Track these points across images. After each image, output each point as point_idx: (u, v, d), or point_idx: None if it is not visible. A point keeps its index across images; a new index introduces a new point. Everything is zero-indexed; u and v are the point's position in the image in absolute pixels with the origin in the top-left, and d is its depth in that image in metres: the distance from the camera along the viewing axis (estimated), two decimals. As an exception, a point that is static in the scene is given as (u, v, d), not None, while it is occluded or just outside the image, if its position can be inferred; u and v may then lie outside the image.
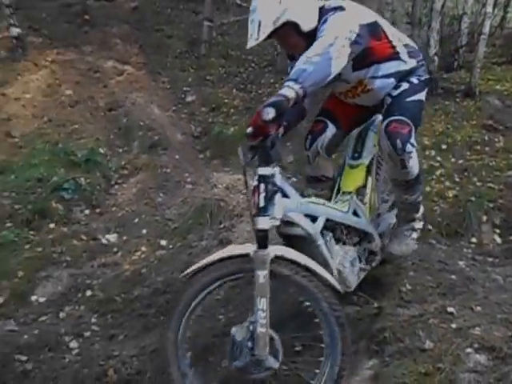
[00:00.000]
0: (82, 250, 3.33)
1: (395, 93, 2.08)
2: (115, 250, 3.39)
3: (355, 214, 2.12)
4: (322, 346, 1.72)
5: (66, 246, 3.31)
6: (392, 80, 2.08)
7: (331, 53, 1.69)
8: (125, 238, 3.52)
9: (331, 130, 2.26)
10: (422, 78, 2.13)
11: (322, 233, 1.89)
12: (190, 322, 1.69)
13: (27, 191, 3.61)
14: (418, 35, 5.81)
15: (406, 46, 2.11)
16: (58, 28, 7.68)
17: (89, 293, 2.98)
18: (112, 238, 3.49)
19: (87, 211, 3.75)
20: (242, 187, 4.14)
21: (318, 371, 1.71)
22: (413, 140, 1.97)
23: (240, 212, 3.70)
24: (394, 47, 2.05)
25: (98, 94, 5.72)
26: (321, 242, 1.86)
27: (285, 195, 1.76)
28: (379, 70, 2.05)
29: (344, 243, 2.05)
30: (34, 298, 2.92)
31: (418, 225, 2.30)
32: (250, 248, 1.63)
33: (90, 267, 3.21)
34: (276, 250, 1.66)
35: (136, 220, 3.73)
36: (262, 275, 1.58)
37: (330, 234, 1.96)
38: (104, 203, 3.92)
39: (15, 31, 6.18)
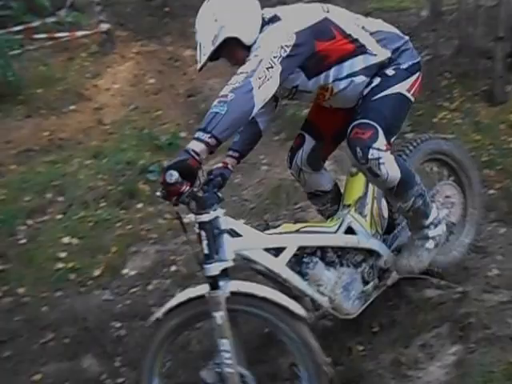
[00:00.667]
0: (166, 228, 3.53)
1: (365, 91, 1.86)
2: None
3: (350, 231, 1.91)
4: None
5: (153, 225, 3.54)
6: (361, 77, 1.84)
7: (252, 82, 1.51)
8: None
9: (309, 142, 2.11)
10: (403, 66, 1.85)
11: (298, 262, 1.78)
12: (159, 370, 1.70)
13: (118, 174, 3.90)
14: None
15: (375, 34, 1.85)
16: (141, 21, 8.08)
17: (173, 268, 3.17)
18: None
19: (170, 192, 3.96)
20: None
21: None
22: (378, 144, 1.72)
23: (316, 193, 3.73)
24: (354, 41, 1.80)
25: (178, 82, 5.97)
26: (287, 275, 1.71)
27: (236, 234, 1.64)
28: (342, 71, 1.82)
29: (341, 265, 1.88)
30: (125, 271, 3.17)
31: (433, 231, 1.93)
32: (205, 289, 1.56)
33: (174, 244, 3.40)
34: (231, 286, 1.57)
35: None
36: (219, 316, 1.52)
37: (315, 260, 1.81)
38: (186, 185, 4.10)
39: (105, 27, 6.62)
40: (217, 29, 1.66)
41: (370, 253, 1.97)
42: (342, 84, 1.84)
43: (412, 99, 1.88)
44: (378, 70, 1.85)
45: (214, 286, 1.54)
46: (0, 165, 4.18)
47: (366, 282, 1.93)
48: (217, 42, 1.67)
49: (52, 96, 5.54)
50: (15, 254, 3.16)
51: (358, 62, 1.82)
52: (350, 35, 1.80)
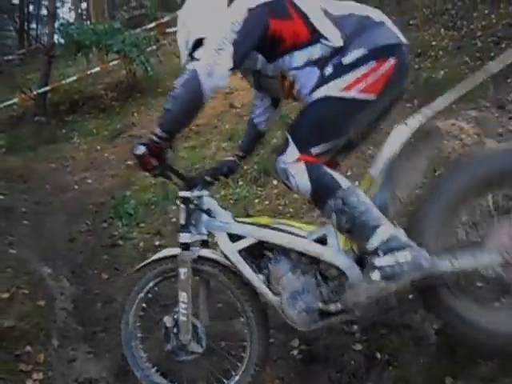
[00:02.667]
0: (302, 202, 3.56)
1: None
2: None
3: (322, 241, 1.68)
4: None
5: (288, 200, 3.59)
6: (313, 68, 1.58)
7: (198, 71, 1.46)
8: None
9: None
10: (348, 60, 1.51)
11: (257, 255, 1.77)
12: (138, 313, 1.92)
13: (253, 153, 4.01)
14: None
15: (339, 18, 1.56)
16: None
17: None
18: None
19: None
20: (456, 132, 3.82)
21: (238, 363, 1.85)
22: (286, 157, 1.55)
23: (456, 158, 3.44)
24: (311, 25, 1.55)
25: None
26: (236, 260, 1.72)
27: (211, 216, 1.78)
28: (294, 60, 1.59)
29: (305, 273, 1.71)
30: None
31: (381, 260, 1.49)
32: (178, 251, 1.77)
33: (311, 217, 3.41)
34: (200, 251, 1.79)
35: (348, 173, 3.80)
36: (183, 272, 1.74)
37: (281, 258, 1.73)
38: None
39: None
40: (186, 34, 1.66)
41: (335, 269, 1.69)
42: (293, 74, 1.62)
43: (359, 97, 1.52)
44: (325, 62, 1.56)
45: (185, 249, 1.76)
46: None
47: (324, 301, 1.69)
48: (189, 46, 1.65)
49: (186, 86, 5.92)
50: (169, 231, 3.46)
51: (316, 51, 1.57)
52: (308, 18, 1.56)
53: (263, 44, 1.57)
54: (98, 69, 6.58)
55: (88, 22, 9.01)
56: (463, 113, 4.37)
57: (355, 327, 2.25)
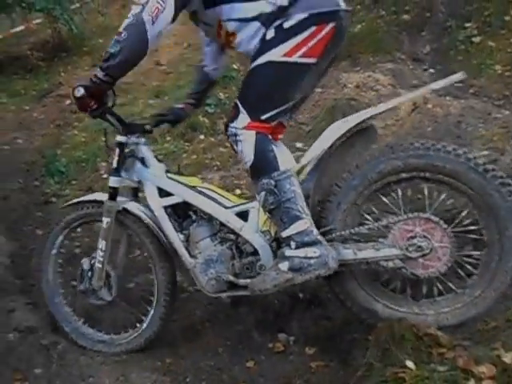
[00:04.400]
0: (228, 156, 3.79)
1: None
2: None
3: (243, 216, 1.77)
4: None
5: (215, 153, 3.81)
6: (253, 26, 1.61)
7: (144, 17, 1.47)
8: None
9: None
10: (288, 24, 1.56)
11: (182, 215, 1.85)
12: (59, 250, 2.03)
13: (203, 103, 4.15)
14: None
15: None
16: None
17: (237, 191, 3.44)
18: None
19: (228, 122, 4.19)
20: (372, 84, 4.11)
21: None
22: (237, 123, 1.63)
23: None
24: None
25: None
26: (159, 215, 1.80)
27: (144, 165, 1.82)
28: (234, 11, 1.60)
29: (223, 243, 1.80)
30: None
31: (291, 251, 1.60)
32: (106, 197, 1.83)
33: (237, 170, 3.65)
34: (125, 203, 1.86)
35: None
36: (106, 221, 1.82)
37: (203, 223, 1.81)
38: (243, 114, 4.30)
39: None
40: None
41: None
42: (235, 26, 1.63)
43: (301, 61, 1.58)
44: (272, 20, 1.59)
45: (113, 196, 1.83)
46: (76, 111, 4.60)
47: (235, 275, 1.77)
48: None
49: (112, 44, 5.86)
50: (100, 187, 3.59)
51: (260, 7, 1.58)
52: None
53: None
54: (22, 27, 6.33)
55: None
56: (380, 65, 4.67)
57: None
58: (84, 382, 1.82)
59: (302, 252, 1.59)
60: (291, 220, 1.59)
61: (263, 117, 1.62)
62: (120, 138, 1.79)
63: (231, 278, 1.76)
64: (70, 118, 4.53)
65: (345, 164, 1.79)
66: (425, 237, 1.65)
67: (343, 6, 1.62)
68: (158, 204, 1.80)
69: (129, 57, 1.53)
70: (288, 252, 1.61)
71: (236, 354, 1.99)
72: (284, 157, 1.71)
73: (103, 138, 1.95)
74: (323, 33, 1.56)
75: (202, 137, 3.99)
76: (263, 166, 1.62)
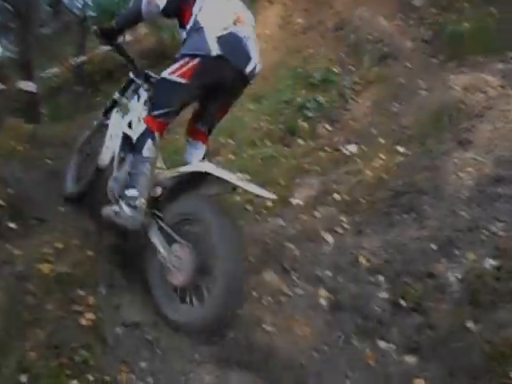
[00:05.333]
0: (327, 160, 3.74)
1: None
2: (356, 158, 3.68)
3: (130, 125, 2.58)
4: None
5: (314, 158, 3.77)
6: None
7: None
8: (364, 147, 3.77)
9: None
10: (180, 53, 2.32)
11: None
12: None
13: (278, 113, 4.20)
14: None
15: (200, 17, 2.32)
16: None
17: (336, 196, 3.36)
18: (352, 148, 3.79)
19: (328, 126, 4.13)
20: (481, 85, 3.83)
21: None
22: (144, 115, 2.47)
23: (480, 112, 3.48)
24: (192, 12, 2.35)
25: (325, 17, 5.91)
26: (117, 134, 2.63)
27: (138, 101, 2.59)
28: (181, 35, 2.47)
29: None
30: (293, 200, 3.47)
31: (120, 204, 2.33)
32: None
33: (336, 175, 3.58)
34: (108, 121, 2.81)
35: (373, 130, 3.92)
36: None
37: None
38: (342, 118, 4.22)
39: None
40: None
41: None
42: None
43: (176, 80, 2.27)
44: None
45: (113, 105, 2.81)
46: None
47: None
48: None
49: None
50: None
51: (182, 35, 2.45)
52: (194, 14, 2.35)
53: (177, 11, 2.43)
54: (129, 38, 6.79)
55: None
56: (489, 66, 4.34)
57: (381, 277, 2.46)
58: (185, 377, 1.88)
59: (123, 207, 2.28)
60: (132, 185, 2.30)
61: (155, 113, 2.35)
62: (132, 76, 2.64)
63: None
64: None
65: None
66: None
67: (214, 52, 2.22)
68: (121, 125, 2.58)
69: (128, 18, 2.58)
70: (119, 204, 2.32)
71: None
72: (155, 149, 2.34)
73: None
74: (191, 63, 2.25)
75: (300, 141, 3.98)
76: (137, 144, 2.36)
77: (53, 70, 6.95)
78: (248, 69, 2.31)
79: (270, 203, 3.50)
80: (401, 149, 3.58)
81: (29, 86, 5.11)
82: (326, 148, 3.84)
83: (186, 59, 2.25)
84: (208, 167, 2.22)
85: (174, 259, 2.19)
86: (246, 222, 3.37)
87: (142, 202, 2.27)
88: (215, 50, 2.21)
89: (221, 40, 2.21)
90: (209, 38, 2.22)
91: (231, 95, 2.52)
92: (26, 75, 5.20)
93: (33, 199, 3.22)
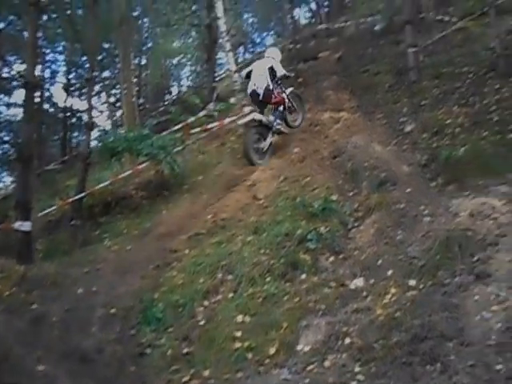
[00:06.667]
0: (333, 297, 3.44)
1: None
2: (364, 294, 3.39)
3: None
4: None
5: (319, 295, 3.48)
6: None
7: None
8: (372, 281, 3.51)
9: None
10: None
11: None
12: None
13: (278, 246, 4.01)
14: None
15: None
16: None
17: (347, 340, 3.02)
18: (359, 282, 3.53)
19: (332, 258, 3.91)
20: (488, 211, 3.67)
21: None
22: None
23: (493, 240, 3.27)
24: None
25: (321, 145, 6.10)
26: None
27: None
28: None
29: None
30: (299, 347, 3.12)
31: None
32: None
33: (344, 314, 3.27)
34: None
35: (379, 261, 3.69)
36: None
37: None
38: (346, 248, 4.02)
39: (247, 109, 7.24)
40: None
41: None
42: None
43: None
44: None
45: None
46: (176, 251, 4.65)
47: None
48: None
49: (211, 181, 6.16)
50: (197, 336, 3.38)
51: None
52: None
53: None
54: (129, 172, 6.96)
55: (121, 129, 9.69)
56: (492, 189, 4.25)
57: None
58: None
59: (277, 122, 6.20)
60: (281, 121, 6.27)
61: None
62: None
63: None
64: (169, 257, 4.55)
65: None
66: None
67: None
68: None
69: None
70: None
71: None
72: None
73: None
74: None
75: (303, 276, 3.72)
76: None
77: (52, 207, 6.99)
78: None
79: (272, 351, 3.15)
80: (411, 282, 3.31)
81: (23, 225, 5.03)
82: (331, 283, 3.57)
83: None
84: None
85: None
86: (245, 375, 2.98)
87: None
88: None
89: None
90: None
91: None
92: (24, 215, 5.15)
93: (9, 357, 2.91)
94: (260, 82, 5.75)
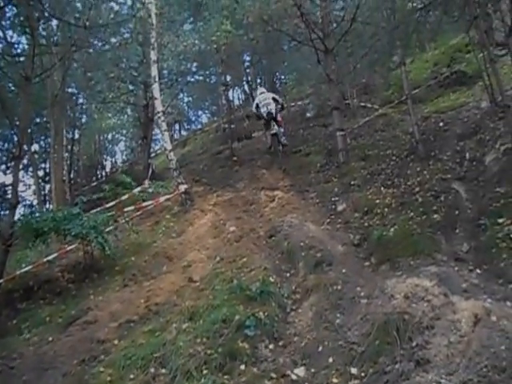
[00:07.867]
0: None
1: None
2: (307, 385, 3.26)
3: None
4: None
5: (265, 388, 3.29)
6: None
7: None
8: (313, 370, 3.40)
9: None
10: None
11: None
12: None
13: (215, 334, 3.80)
14: None
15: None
16: (214, 174, 8.75)
17: None
18: (300, 372, 3.40)
19: (271, 346, 3.76)
20: (422, 293, 3.76)
21: None
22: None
23: (429, 323, 3.33)
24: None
25: (257, 224, 6.13)
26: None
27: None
28: None
29: None
30: None
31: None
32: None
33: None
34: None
35: (320, 348, 3.61)
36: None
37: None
38: (285, 334, 3.91)
39: (183, 187, 7.20)
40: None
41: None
42: None
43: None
44: None
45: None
46: (104, 341, 4.28)
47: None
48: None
49: (144, 262, 5.88)
50: None
51: None
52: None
53: None
54: (56, 254, 6.49)
55: (49, 206, 9.19)
56: (423, 269, 4.36)
57: None
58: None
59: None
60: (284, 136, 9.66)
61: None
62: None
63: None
64: (96, 349, 4.16)
65: None
66: None
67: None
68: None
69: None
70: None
71: None
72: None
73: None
74: None
75: (242, 367, 3.51)
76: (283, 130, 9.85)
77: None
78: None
79: None
80: (353, 370, 3.25)
81: None
82: (272, 374, 3.41)
83: None
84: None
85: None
86: None
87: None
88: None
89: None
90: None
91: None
92: None
93: None
94: (271, 106, 8.70)
